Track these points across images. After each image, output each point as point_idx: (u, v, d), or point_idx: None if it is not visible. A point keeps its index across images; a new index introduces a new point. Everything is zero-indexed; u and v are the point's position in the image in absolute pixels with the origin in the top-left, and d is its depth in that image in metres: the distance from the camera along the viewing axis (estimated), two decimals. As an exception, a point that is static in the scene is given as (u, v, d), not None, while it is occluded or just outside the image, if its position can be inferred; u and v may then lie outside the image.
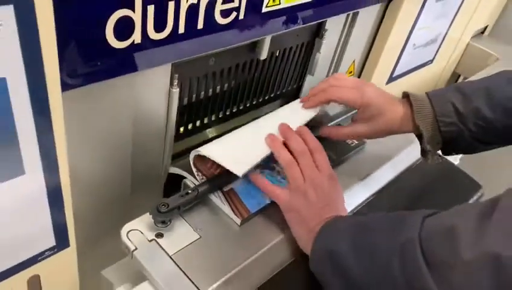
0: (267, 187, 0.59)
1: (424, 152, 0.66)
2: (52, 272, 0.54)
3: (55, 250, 0.52)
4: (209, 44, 0.54)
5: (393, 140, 0.72)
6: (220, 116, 0.74)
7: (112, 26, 0.43)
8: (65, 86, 0.42)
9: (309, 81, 0.85)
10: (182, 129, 0.69)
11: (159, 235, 0.55)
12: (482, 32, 1.39)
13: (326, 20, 0.76)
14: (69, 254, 0.54)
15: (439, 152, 0.67)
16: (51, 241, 0.51)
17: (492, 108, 0.62)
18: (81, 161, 0.55)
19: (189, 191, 0.58)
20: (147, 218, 0.56)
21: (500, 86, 0.63)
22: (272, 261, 0.56)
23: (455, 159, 0.83)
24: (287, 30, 0.65)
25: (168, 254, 0.53)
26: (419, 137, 0.66)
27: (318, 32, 0.79)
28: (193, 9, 0.50)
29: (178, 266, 0.52)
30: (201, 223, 0.58)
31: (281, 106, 0.75)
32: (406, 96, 0.68)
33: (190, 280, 0.51)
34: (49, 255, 0.52)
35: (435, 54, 1.13)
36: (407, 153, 0.79)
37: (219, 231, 0.57)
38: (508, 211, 0.40)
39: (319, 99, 0.67)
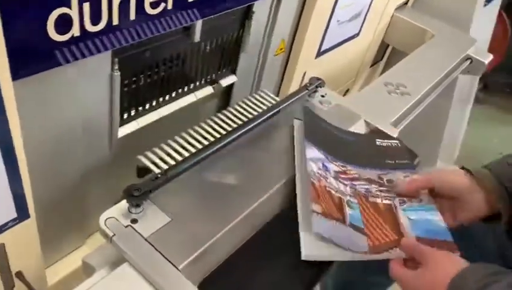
0: None
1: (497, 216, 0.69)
2: (16, 240, 0.61)
3: (17, 221, 0.59)
4: (142, 32, 0.62)
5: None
6: (163, 99, 0.81)
7: (53, 22, 0.50)
8: (15, 76, 0.49)
9: (243, 59, 0.94)
10: (126, 115, 0.76)
11: (134, 221, 0.61)
12: (406, 3, 1.51)
13: (253, 4, 0.85)
14: (30, 224, 0.62)
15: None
16: (13, 213, 0.58)
17: None
18: (36, 144, 0.61)
19: (159, 176, 0.64)
20: (120, 207, 0.63)
21: None
22: (237, 235, 0.63)
23: (394, 133, 0.92)
24: (215, 15, 0.73)
25: (143, 237, 0.59)
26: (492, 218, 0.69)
27: (247, 14, 0.87)
28: (125, 4, 0.57)
29: (153, 246, 0.59)
30: (171, 207, 0.64)
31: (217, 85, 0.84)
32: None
33: (165, 257, 0.58)
34: (12, 226, 0.59)
35: (360, 28, 1.24)
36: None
37: (187, 213, 0.64)
38: None
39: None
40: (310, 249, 0.61)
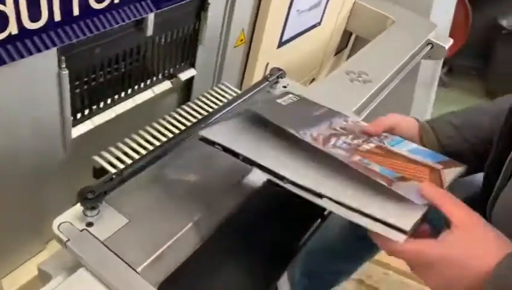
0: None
1: None
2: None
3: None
4: (87, 29, 0.59)
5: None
6: (118, 97, 0.79)
7: (-14, 20, 0.47)
8: None
9: (202, 52, 0.92)
10: (79, 115, 0.73)
11: (89, 224, 0.59)
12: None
13: (207, -6, 0.83)
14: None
15: None
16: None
17: (490, 118, 0.67)
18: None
19: (114, 176, 0.61)
20: (75, 210, 0.60)
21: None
22: (196, 234, 0.61)
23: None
24: (168, 8, 0.71)
25: (100, 240, 0.57)
26: None
27: (203, 5, 0.85)
28: (66, -2, 0.54)
29: (110, 249, 0.57)
30: (129, 208, 0.62)
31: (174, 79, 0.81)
32: None
33: (123, 260, 0.56)
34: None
35: (322, 16, 1.23)
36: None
37: (145, 214, 0.62)
38: None
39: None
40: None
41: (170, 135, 0.75)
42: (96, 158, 0.69)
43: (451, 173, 0.60)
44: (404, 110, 1.62)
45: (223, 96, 0.88)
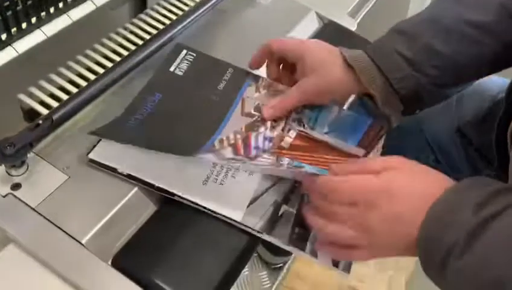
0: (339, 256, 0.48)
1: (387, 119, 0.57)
2: None
3: None
4: None
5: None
6: (46, 13, 0.61)
7: None
8: None
9: None
10: None
11: (16, 186, 0.47)
12: None
13: None
14: None
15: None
16: None
17: (445, 39, 0.52)
18: None
19: (40, 122, 0.48)
20: None
21: (447, 9, 0.53)
22: (151, 194, 0.49)
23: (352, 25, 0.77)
24: None
25: (30, 207, 0.46)
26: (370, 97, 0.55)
27: None
28: None
29: (45, 218, 0.45)
30: (68, 160, 0.49)
31: None
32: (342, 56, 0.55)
33: (63, 230, 0.45)
34: None
35: None
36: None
37: (90, 167, 0.49)
38: None
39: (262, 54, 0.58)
40: None
41: (118, 59, 0.59)
42: (23, 97, 0.54)
43: (376, 150, 0.57)
44: (401, 8, 1.44)
45: (185, 3, 0.70)
